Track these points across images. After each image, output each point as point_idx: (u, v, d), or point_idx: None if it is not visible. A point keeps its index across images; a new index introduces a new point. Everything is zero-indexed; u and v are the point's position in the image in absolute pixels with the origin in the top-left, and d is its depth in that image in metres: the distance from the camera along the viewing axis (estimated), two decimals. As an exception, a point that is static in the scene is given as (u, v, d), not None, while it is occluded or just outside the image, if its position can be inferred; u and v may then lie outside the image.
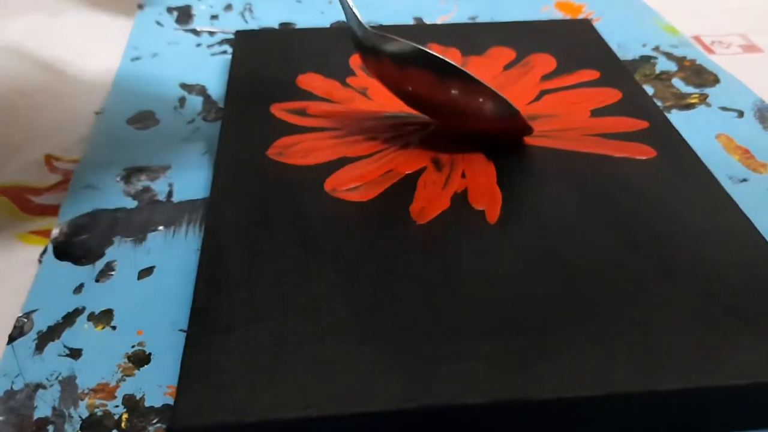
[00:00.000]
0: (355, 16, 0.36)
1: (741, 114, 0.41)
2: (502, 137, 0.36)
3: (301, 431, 0.24)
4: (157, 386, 0.26)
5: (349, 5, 0.36)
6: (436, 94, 0.34)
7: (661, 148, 0.35)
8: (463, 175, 0.34)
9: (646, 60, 0.47)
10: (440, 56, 0.34)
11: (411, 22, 0.51)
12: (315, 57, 0.43)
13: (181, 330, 0.28)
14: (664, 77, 0.45)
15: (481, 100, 0.34)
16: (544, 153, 0.35)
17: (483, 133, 0.36)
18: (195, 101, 0.43)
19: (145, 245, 0.32)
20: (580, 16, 0.52)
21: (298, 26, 0.51)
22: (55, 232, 0.33)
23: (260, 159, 0.35)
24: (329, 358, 0.25)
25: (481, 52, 0.44)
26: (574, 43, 0.45)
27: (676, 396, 0.24)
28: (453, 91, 0.34)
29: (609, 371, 0.25)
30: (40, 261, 0.32)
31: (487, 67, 0.42)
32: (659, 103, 0.42)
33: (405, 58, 0.34)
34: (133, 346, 0.28)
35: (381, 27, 0.49)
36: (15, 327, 0.29)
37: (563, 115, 0.38)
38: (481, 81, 0.33)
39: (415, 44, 0.34)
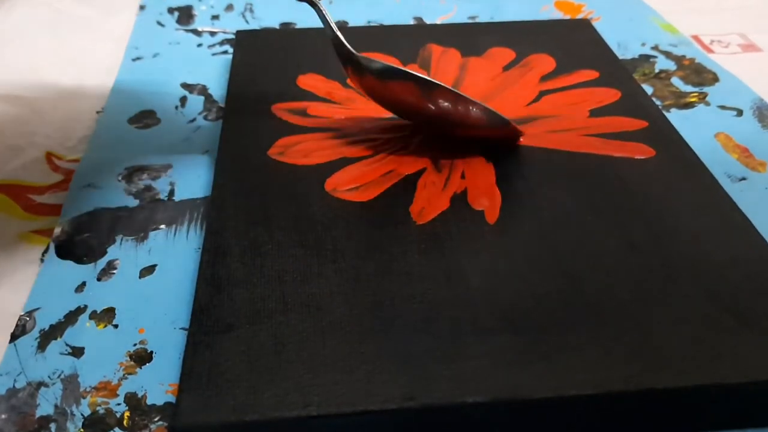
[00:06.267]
0: (337, 36, 0.35)
1: (740, 113, 0.41)
2: (495, 142, 0.36)
3: (302, 430, 0.24)
4: (158, 384, 0.27)
5: (330, 25, 0.36)
6: (424, 108, 0.34)
7: (660, 147, 0.35)
8: (463, 176, 0.34)
9: (645, 59, 0.47)
10: (422, 76, 0.34)
11: (411, 21, 0.51)
12: (316, 57, 0.43)
13: (182, 328, 0.29)
14: (664, 76, 0.45)
15: (472, 111, 0.34)
16: (544, 153, 0.35)
17: (476, 140, 0.36)
18: (196, 101, 0.43)
19: (146, 244, 0.33)
20: (580, 16, 0.52)
21: (298, 26, 0.51)
22: (57, 231, 0.33)
23: (261, 159, 0.35)
24: (330, 357, 0.25)
25: (481, 53, 0.44)
26: (574, 43, 0.45)
27: (675, 394, 0.24)
28: (444, 104, 0.34)
29: (608, 370, 0.25)
30: (41, 260, 0.32)
31: (486, 68, 0.42)
32: (658, 102, 0.42)
33: (389, 75, 0.35)
34: (134, 345, 0.28)
35: (381, 27, 0.50)
36: (17, 325, 0.29)
37: (562, 116, 0.38)
38: (467, 96, 0.34)
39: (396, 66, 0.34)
